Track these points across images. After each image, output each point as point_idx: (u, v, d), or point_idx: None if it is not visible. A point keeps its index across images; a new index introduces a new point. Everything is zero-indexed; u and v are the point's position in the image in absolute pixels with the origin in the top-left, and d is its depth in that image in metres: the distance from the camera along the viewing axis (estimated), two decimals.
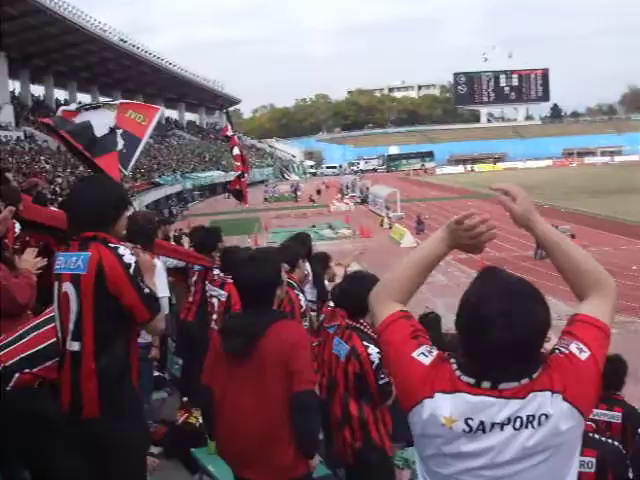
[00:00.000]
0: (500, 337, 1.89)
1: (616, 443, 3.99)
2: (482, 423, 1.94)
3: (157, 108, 7.59)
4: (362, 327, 4.43)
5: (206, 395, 3.70)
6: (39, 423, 3.67)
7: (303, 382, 3.39)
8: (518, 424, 1.91)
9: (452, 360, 2.04)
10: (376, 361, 4.22)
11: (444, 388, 1.99)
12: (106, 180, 3.82)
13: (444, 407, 1.97)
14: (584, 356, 1.99)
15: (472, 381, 1.97)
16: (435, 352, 2.10)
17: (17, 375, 3.64)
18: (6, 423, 3.79)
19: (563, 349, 2.01)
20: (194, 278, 7.20)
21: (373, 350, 4.24)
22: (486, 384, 1.95)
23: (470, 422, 1.95)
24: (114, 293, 3.21)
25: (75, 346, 3.25)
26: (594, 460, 3.80)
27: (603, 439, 3.95)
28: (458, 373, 2.00)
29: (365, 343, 4.33)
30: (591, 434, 3.93)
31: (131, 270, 3.23)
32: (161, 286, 5.09)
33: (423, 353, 2.08)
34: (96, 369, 3.22)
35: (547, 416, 1.91)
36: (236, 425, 3.47)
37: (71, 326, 3.27)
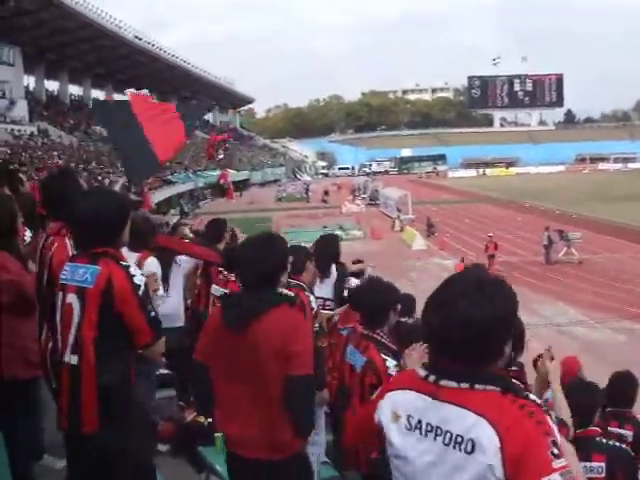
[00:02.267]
0: (434, 323, 1.96)
1: (624, 446, 3.96)
2: (419, 422, 1.98)
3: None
4: (379, 337, 4.29)
5: (198, 371, 3.51)
6: None
7: (303, 366, 3.21)
8: (447, 439, 1.90)
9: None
10: (394, 374, 3.97)
11: (404, 385, 2.09)
12: (108, 193, 3.81)
13: (397, 403, 2.07)
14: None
15: (423, 374, 2.02)
16: None
17: None
18: None
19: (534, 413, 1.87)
20: (199, 271, 7.27)
21: (391, 363, 4.08)
22: (432, 377, 1.98)
23: (411, 420, 2.01)
24: (120, 311, 3.19)
25: (74, 359, 3.23)
26: (603, 465, 3.78)
27: (610, 443, 3.92)
28: (418, 369, 2.07)
29: (383, 356, 4.16)
30: (598, 439, 3.91)
31: (140, 291, 3.23)
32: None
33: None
34: (96, 383, 3.19)
35: (474, 445, 1.84)
36: (234, 404, 3.33)
37: (71, 339, 3.25)
